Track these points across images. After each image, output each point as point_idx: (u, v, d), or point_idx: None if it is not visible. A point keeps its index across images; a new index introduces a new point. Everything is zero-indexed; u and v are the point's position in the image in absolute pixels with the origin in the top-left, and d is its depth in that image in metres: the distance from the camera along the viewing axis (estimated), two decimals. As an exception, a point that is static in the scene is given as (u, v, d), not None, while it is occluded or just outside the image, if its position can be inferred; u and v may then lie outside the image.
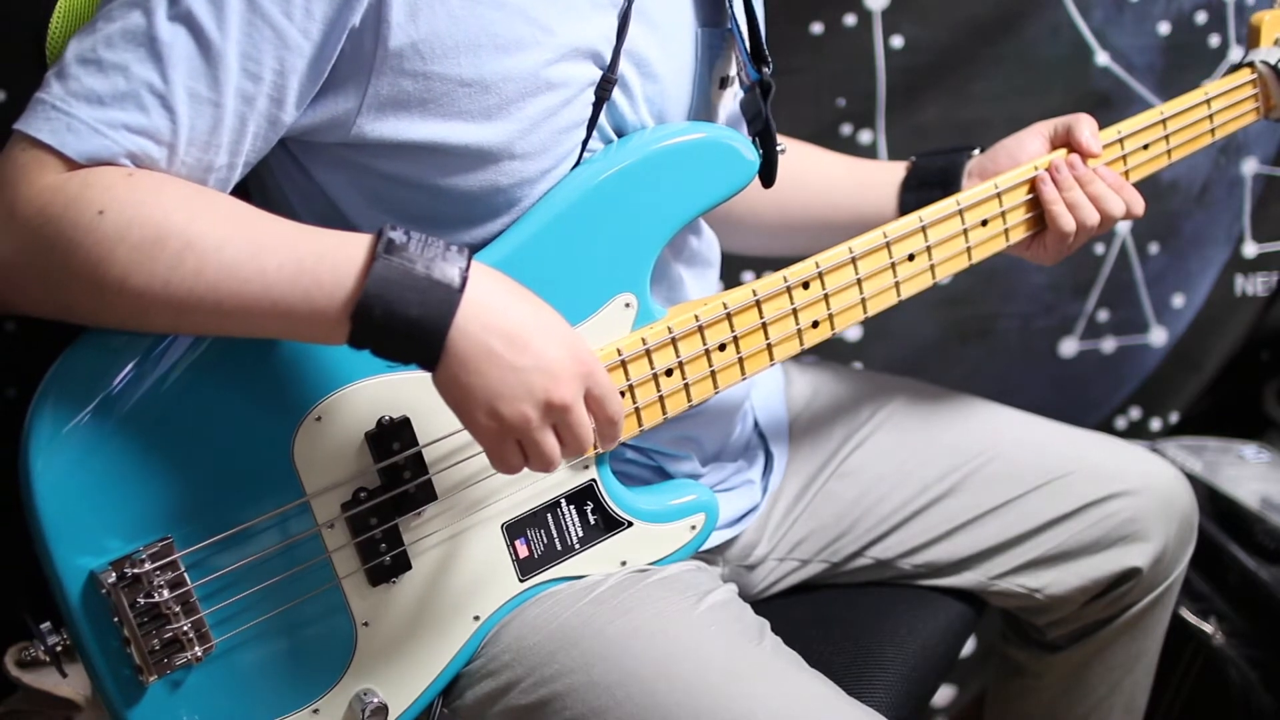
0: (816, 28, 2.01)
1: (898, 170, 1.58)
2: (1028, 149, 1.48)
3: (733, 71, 1.37)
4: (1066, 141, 1.47)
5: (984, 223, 1.42)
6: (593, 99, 1.22)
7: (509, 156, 1.19)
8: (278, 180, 1.26)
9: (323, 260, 1.05)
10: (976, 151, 1.53)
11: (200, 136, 1.08)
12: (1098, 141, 1.45)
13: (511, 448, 1.10)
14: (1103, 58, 2.10)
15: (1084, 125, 1.46)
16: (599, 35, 1.20)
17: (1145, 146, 1.50)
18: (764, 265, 1.33)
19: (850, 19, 2.02)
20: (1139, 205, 1.46)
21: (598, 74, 1.21)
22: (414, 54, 1.12)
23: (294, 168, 1.24)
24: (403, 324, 1.03)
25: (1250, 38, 1.60)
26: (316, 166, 1.22)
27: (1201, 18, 2.11)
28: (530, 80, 1.17)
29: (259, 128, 1.11)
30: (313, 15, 1.08)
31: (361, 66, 1.12)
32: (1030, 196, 1.44)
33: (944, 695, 2.27)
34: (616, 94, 1.24)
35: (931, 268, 1.39)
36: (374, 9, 1.10)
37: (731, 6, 1.32)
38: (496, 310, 1.06)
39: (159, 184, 1.06)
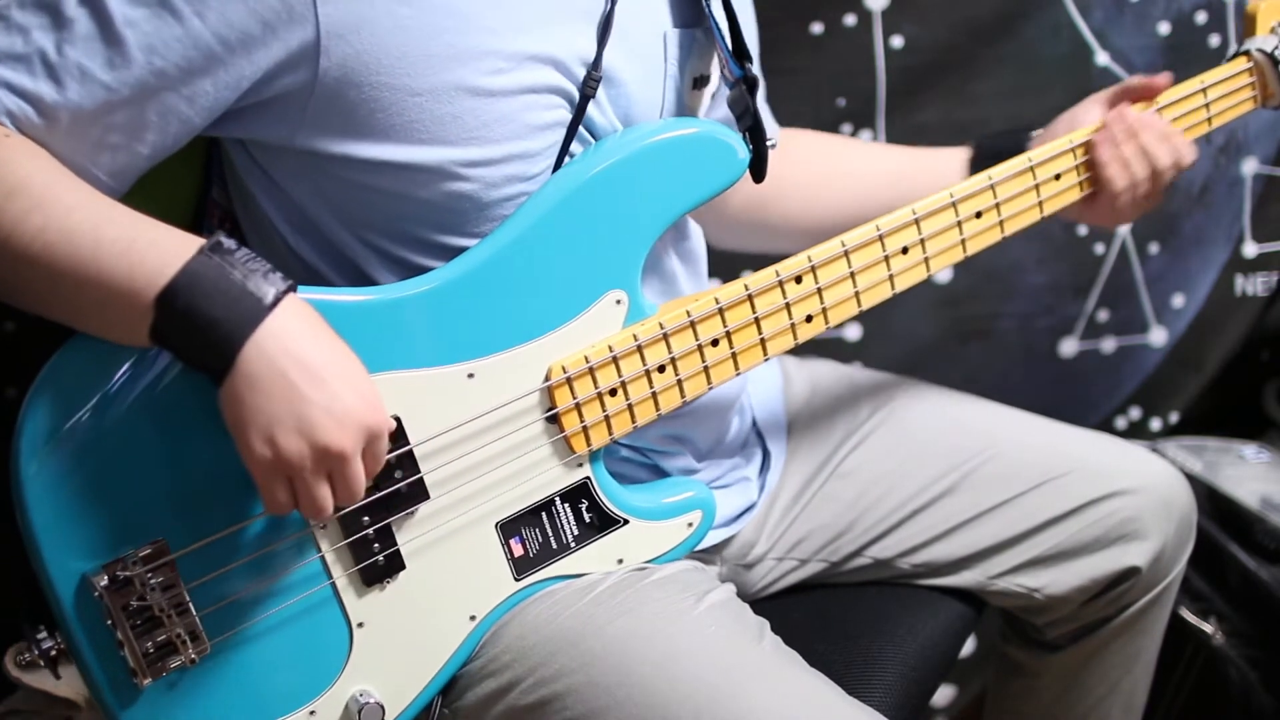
0: (816, 28, 2.01)
1: (960, 155, 1.59)
2: (1084, 120, 1.51)
3: (710, 71, 1.37)
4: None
5: (978, 215, 1.41)
6: (559, 104, 1.22)
7: (470, 164, 1.19)
8: (253, 191, 1.26)
9: (155, 245, 1.05)
10: (1038, 132, 1.56)
11: (87, 114, 1.09)
12: (1158, 82, 1.49)
13: (281, 484, 1.08)
14: (1103, 58, 2.10)
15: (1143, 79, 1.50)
16: (557, 40, 1.20)
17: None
18: (763, 263, 1.34)
19: (850, 19, 2.02)
20: (1188, 154, 1.49)
21: (559, 79, 1.21)
22: (359, 66, 1.12)
23: (263, 177, 1.24)
24: (203, 322, 1.03)
25: (1246, 26, 1.59)
26: (280, 174, 1.23)
27: (1201, 18, 2.11)
28: (486, 89, 1.17)
29: (165, 122, 1.12)
30: (230, 22, 1.08)
31: (302, 79, 1.13)
32: (1023, 189, 1.44)
33: (944, 695, 2.27)
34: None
35: (926, 261, 1.39)
36: (307, 21, 1.10)
37: (709, 4, 1.31)
38: (300, 340, 1.05)
39: (31, 152, 1.09)
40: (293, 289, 1.07)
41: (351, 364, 1.09)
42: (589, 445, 1.26)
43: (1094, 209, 1.51)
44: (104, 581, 1.09)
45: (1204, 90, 1.54)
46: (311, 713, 1.20)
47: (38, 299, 1.10)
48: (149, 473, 1.12)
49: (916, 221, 1.37)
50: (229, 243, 1.06)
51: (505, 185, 1.21)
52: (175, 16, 1.08)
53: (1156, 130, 1.47)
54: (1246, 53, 1.57)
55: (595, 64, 1.22)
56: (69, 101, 1.09)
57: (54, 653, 1.13)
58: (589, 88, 1.22)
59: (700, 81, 1.36)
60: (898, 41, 2.04)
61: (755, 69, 1.30)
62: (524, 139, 1.20)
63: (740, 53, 1.31)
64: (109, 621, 1.10)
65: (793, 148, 1.65)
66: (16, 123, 1.09)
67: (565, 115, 1.23)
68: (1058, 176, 1.46)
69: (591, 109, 1.25)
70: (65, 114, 1.09)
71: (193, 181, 1.33)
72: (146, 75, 1.09)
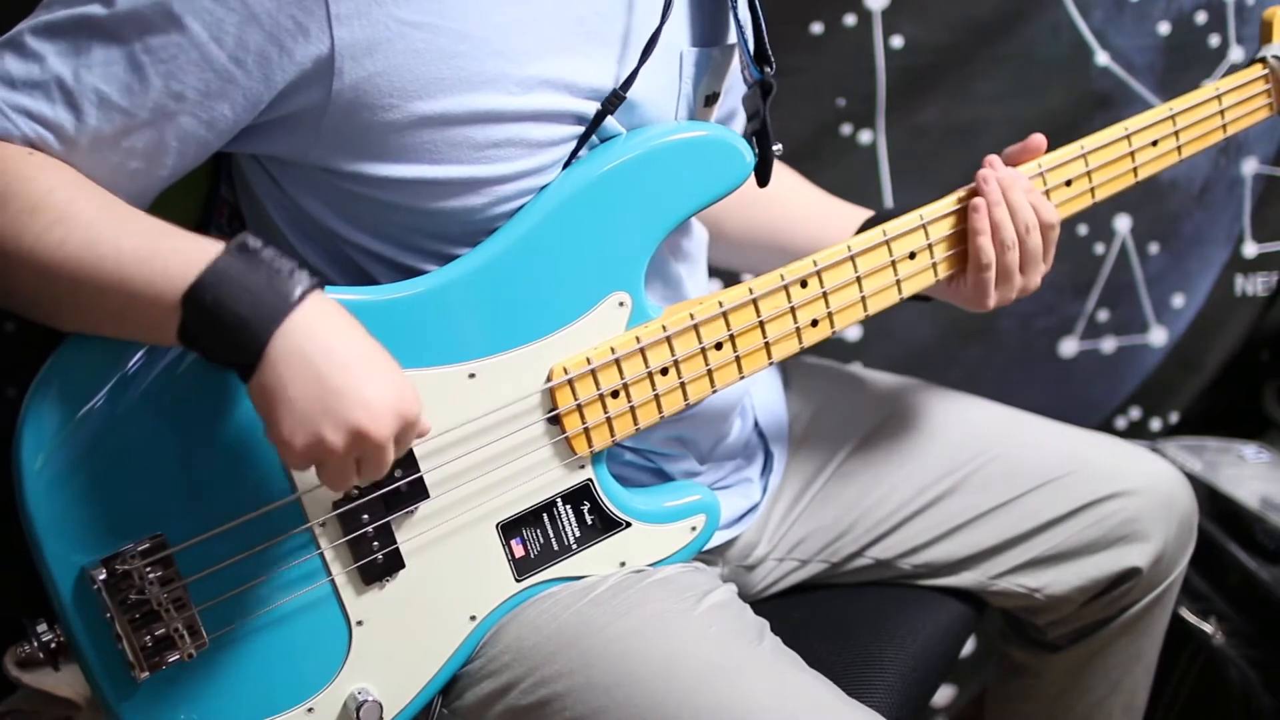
0: (816, 28, 2.01)
1: (860, 215, 1.57)
2: None
3: (722, 88, 1.36)
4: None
5: None
6: (570, 122, 1.21)
7: (482, 182, 1.19)
8: (260, 196, 1.27)
9: (177, 250, 1.06)
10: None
11: (106, 139, 1.10)
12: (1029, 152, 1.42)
13: (307, 462, 1.08)
14: (1103, 58, 2.10)
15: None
16: (568, 65, 1.19)
17: (1154, 143, 1.48)
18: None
19: (850, 19, 2.01)
20: (1049, 213, 1.39)
21: (570, 102, 1.20)
22: (371, 89, 1.12)
23: (271, 185, 1.25)
24: (230, 318, 1.03)
25: (1263, 33, 1.57)
26: (289, 184, 1.23)
27: (1201, 18, 2.11)
28: (499, 115, 1.16)
29: (184, 146, 1.13)
30: (246, 45, 1.09)
31: (315, 99, 1.13)
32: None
33: (944, 695, 2.27)
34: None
35: (934, 265, 1.38)
36: (322, 43, 1.10)
37: (735, 9, 1.31)
38: (327, 333, 1.05)
39: (54, 168, 1.09)
40: (319, 286, 1.07)
41: (381, 355, 1.08)
42: (590, 447, 1.26)
43: (956, 288, 1.43)
44: (102, 575, 1.09)
45: (1219, 97, 1.52)
46: (310, 710, 1.20)
47: (60, 311, 1.11)
48: (149, 467, 1.12)
49: (924, 226, 1.37)
50: (254, 242, 1.06)
51: (517, 199, 1.21)
52: (192, 41, 1.08)
53: (1022, 184, 1.38)
54: (1263, 59, 1.55)
55: (627, 83, 1.21)
56: (87, 127, 1.09)
57: (54, 646, 1.14)
58: (610, 104, 1.22)
59: (711, 99, 1.36)
60: (898, 41, 2.03)
61: (773, 74, 1.29)
62: (535, 155, 1.20)
63: (761, 57, 1.30)
64: (107, 615, 1.10)
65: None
66: (36, 150, 1.10)
67: (577, 130, 1.22)
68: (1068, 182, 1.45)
69: (605, 123, 1.24)
70: (85, 139, 1.10)
71: (202, 178, 1.33)
72: (165, 100, 1.10)
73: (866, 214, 1.57)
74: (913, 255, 1.37)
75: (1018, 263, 1.39)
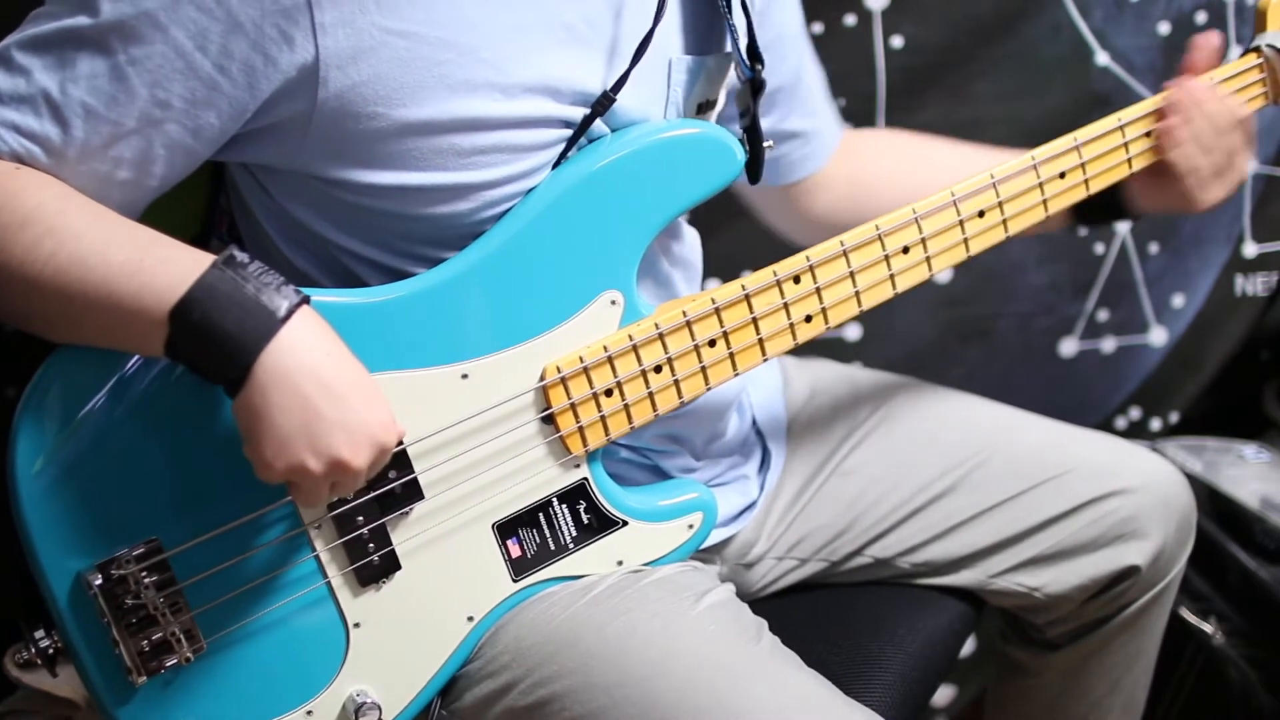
0: (816, 28, 2.01)
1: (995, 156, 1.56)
2: None
3: (717, 96, 1.37)
4: None
5: (980, 214, 1.39)
6: (556, 127, 1.21)
7: (468, 188, 1.19)
8: (250, 204, 1.27)
9: (165, 263, 1.06)
10: None
11: (94, 150, 1.10)
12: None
13: (282, 481, 1.09)
14: (1103, 58, 2.10)
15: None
16: (554, 72, 1.19)
17: (1148, 134, 1.48)
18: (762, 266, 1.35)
19: (850, 19, 2.02)
20: (1241, 109, 1.50)
21: (556, 108, 1.20)
22: (356, 97, 1.12)
23: (260, 192, 1.25)
24: (218, 335, 1.03)
25: (1257, 22, 1.56)
26: (278, 192, 1.23)
27: (1201, 18, 2.11)
28: (485, 122, 1.16)
29: (171, 155, 1.13)
30: (230, 54, 1.09)
31: (301, 108, 1.13)
32: (1030, 185, 1.42)
33: (944, 695, 2.27)
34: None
35: (927, 260, 1.38)
36: (306, 52, 1.10)
37: (729, 9, 1.31)
38: (315, 354, 1.06)
39: (43, 181, 1.10)
40: (306, 301, 1.07)
41: (365, 380, 1.09)
42: (585, 446, 1.26)
43: (1166, 193, 1.51)
44: (98, 580, 1.09)
45: (1214, 87, 1.50)
46: (309, 712, 1.20)
47: (51, 323, 1.11)
48: (144, 472, 1.12)
49: (917, 220, 1.37)
50: (241, 256, 1.07)
51: (505, 203, 1.22)
52: (177, 50, 1.08)
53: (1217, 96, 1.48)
54: (1257, 49, 1.54)
55: (618, 85, 1.21)
56: (75, 140, 1.10)
57: (51, 651, 1.14)
58: (600, 107, 1.21)
59: (706, 106, 1.36)
60: (898, 41, 2.04)
61: (764, 71, 1.29)
62: (522, 160, 1.20)
63: (753, 54, 1.30)
64: (104, 620, 1.10)
65: (876, 143, 1.69)
66: (24, 164, 1.10)
67: (564, 133, 1.22)
68: (1062, 175, 1.44)
69: (593, 127, 1.24)
70: (73, 152, 1.10)
71: (202, 188, 1.34)
72: (151, 109, 1.10)
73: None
74: (906, 250, 1.36)
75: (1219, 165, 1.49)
